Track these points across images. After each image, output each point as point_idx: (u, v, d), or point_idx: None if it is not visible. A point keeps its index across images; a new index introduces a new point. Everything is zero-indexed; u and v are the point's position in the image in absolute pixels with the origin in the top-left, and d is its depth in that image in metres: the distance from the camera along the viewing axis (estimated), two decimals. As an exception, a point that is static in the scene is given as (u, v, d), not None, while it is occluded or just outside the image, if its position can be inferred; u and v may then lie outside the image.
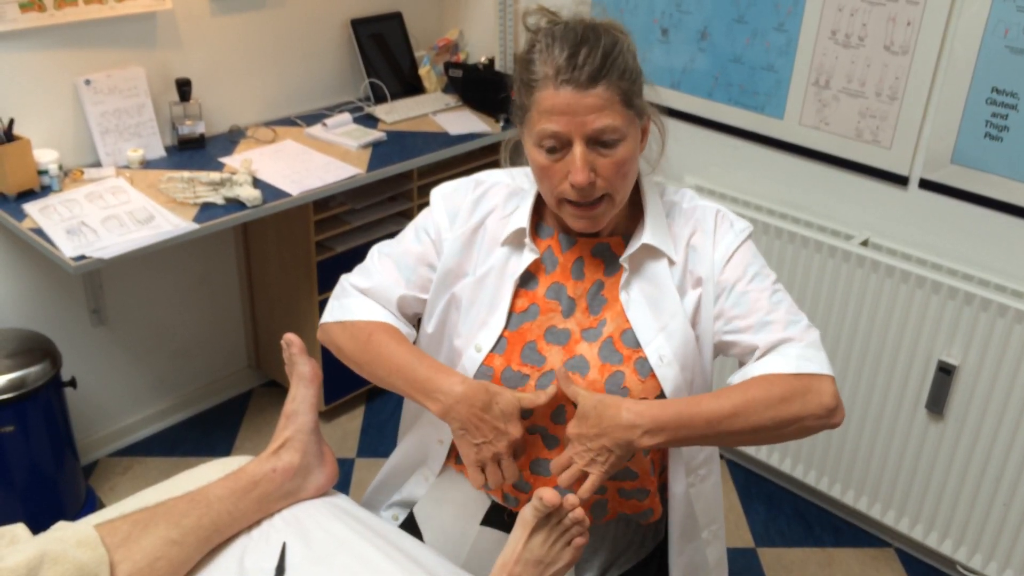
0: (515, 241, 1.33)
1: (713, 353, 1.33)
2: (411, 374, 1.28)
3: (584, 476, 1.22)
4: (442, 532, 1.42)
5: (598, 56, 1.16)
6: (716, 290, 1.30)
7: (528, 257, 1.31)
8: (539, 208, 1.36)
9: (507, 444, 1.24)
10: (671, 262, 1.30)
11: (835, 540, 2.56)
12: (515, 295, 1.32)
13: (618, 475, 1.32)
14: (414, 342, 1.39)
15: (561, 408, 1.28)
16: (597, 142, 1.18)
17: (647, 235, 1.29)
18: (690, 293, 1.30)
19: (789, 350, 1.24)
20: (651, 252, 1.30)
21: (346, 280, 1.42)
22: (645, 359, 1.27)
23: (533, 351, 1.29)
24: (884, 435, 2.38)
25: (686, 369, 1.28)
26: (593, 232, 1.31)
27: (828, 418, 1.24)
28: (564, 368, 1.28)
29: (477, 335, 1.31)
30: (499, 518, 1.38)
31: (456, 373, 1.26)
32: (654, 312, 1.29)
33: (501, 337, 1.30)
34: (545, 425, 1.30)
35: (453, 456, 1.42)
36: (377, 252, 1.41)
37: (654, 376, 1.27)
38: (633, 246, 1.29)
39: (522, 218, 1.32)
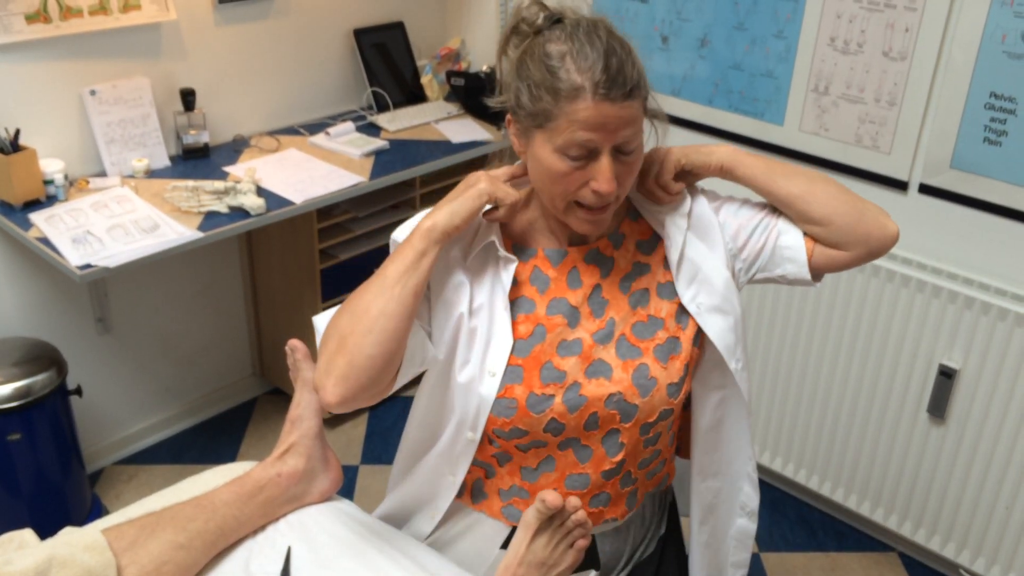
0: (497, 262, 1.30)
1: (736, 285, 1.36)
2: (395, 259, 1.23)
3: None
4: (456, 557, 1.41)
5: (633, 71, 1.17)
6: (719, 219, 1.36)
7: (511, 268, 1.28)
8: (507, 229, 1.33)
9: (504, 172, 1.28)
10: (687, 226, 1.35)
11: (838, 545, 2.56)
12: (514, 321, 1.29)
13: (645, 460, 1.35)
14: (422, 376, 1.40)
15: (594, 416, 1.27)
16: (620, 151, 1.20)
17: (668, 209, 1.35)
18: (711, 231, 1.35)
19: None
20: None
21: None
22: (661, 344, 1.29)
23: (551, 370, 1.28)
24: (886, 439, 2.39)
25: (726, 314, 1.32)
26: (584, 241, 1.32)
27: (890, 216, 1.33)
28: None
29: (485, 361, 1.28)
30: None
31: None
32: (684, 266, 1.32)
33: (515, 366, 1.27)
34: (577, 436, 1.28)
35: (467, 494, 1.40)
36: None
37: (674, 358, 1.29)
38: (675, 238, 1.33)
39: (490, 232, 1.29)
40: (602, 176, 1.17)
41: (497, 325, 1.28)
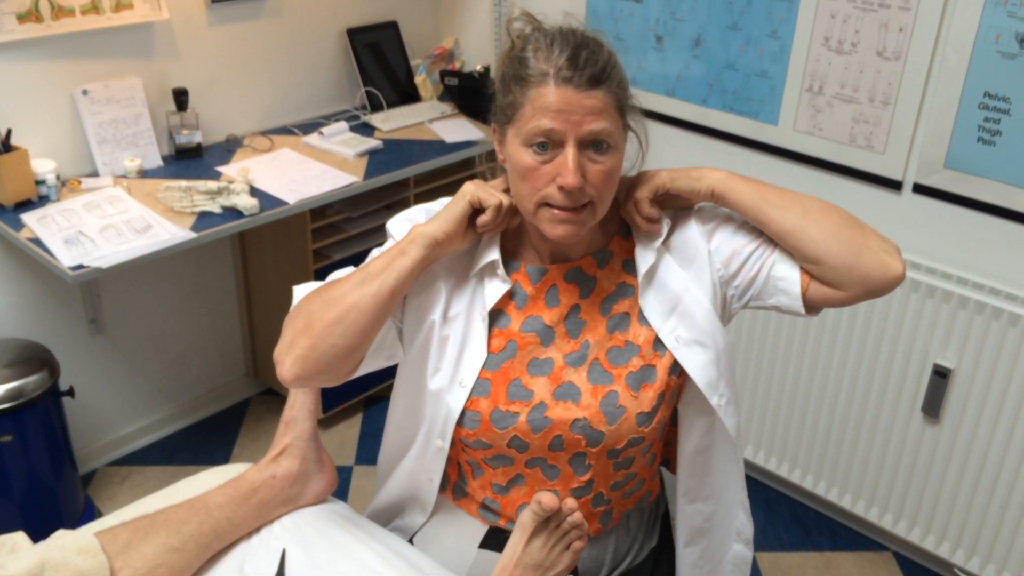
0: (483, 274, 1.30)
1: (729, 312, 1.33)
2: (381, 257, 1.22)
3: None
4: (440, 555, 1.42)
5: (600, 60, 1.16)
6: (711, 246, 1.31)
7: (500, 288, 1.27)
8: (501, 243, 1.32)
9: (498, 183, 1.29)
10: (666, 248, 1.31)
11: (833, 544, 2.57)
12: (489, 335, 1.28)
13: (618, 483, 1.33)
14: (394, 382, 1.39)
15: (559, 439, 1.26)
16: (590, 146, 1.17)
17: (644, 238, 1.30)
18: (697, 260, 1.31)
19: None
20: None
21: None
22: (634, 372, 1.27)
23: (519, 387, 1.27)
24: (880, 439, 2.39)
25: (706, 347, 1.27)
26: (567, 258, 1.30)
27: (897, 253, 1.27)
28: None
29: (456, 371, 1.27)
30: (498, 541, 1.37)
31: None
32: (660, 296, 1.29)
33: (484, 379, 1.27)
34: (543, 455, 1.28)
35: (449, 489, 1.41)
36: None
37: (647, 386, 1.27)
38: (646, 258, 1.29)
39: (493, 251, 1.28)
40: (566, 169, 1.15)
41: (473, 337, 1.28)
